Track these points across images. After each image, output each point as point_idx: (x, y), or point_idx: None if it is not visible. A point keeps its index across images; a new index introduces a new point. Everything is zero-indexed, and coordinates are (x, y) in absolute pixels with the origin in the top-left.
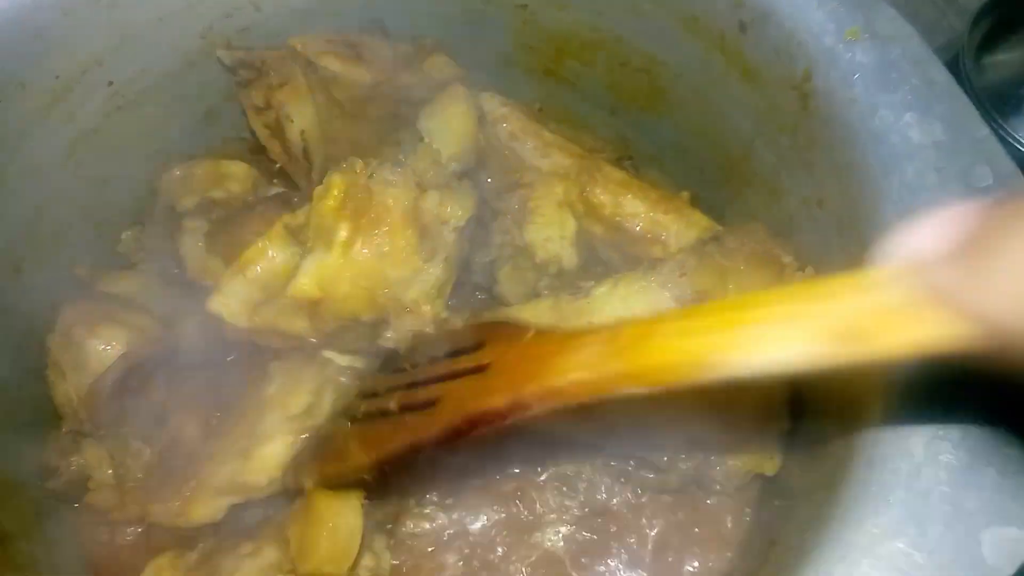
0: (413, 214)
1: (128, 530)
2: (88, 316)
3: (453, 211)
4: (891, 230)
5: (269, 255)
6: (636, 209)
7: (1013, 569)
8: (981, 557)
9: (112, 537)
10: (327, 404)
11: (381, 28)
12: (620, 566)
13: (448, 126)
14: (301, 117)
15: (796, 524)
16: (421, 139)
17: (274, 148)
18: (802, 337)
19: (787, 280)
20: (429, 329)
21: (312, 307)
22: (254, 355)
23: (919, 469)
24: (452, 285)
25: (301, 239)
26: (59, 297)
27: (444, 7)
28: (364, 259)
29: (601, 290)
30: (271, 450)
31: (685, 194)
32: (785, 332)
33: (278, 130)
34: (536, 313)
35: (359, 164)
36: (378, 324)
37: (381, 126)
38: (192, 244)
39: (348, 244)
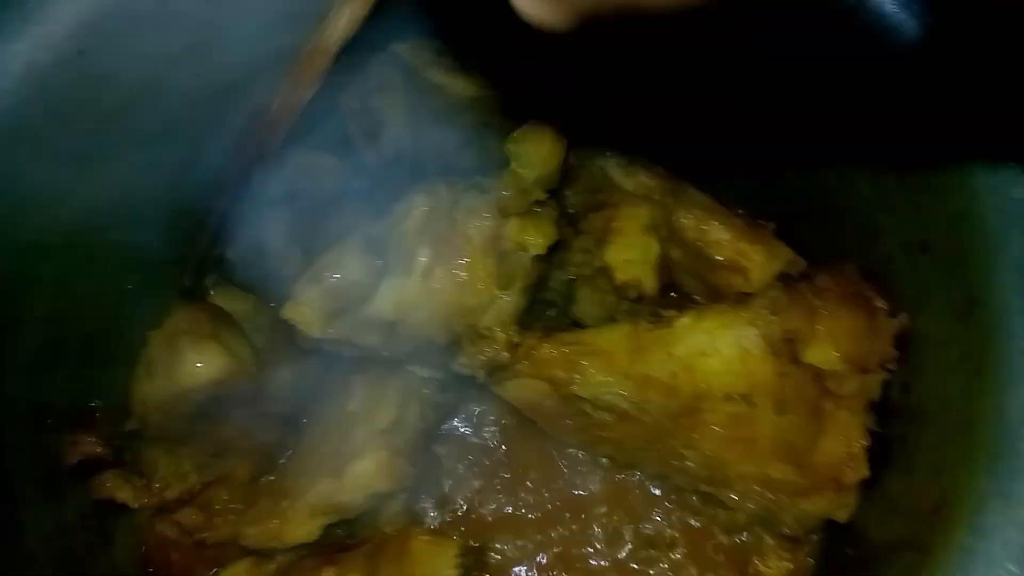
0: (493, 243)
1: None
2: (197, 327)
3: (534, 240)
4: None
5: (346, 265)
6: (720, 236)
7: None
8: None
9: (169, 538)
10: (413, 417)
11: None
12: None
13: (536, 150)
14: (394, 124)
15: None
16: (508, 163)
17: (367, 152)
18: None
19: (879, 326)
20: (504, 354)
21: (388, 326)
22: (332, 367)
23: None
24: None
25: (379, 251)
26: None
27: None
28: (442, 287)
29: (684, 321)
30: (363, 467)
31: (771, 225)
32: None
33: (371, 134)
34: (612, 339)
35: (443, 187)
36: (452, 346)
37: (472, 137)
38: (275, 230)
39: (428, 271)
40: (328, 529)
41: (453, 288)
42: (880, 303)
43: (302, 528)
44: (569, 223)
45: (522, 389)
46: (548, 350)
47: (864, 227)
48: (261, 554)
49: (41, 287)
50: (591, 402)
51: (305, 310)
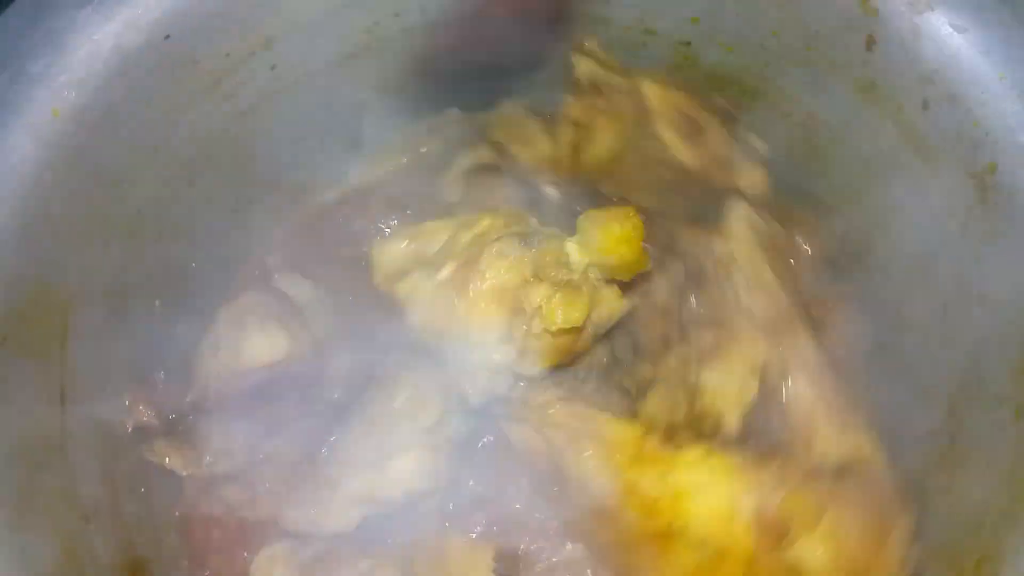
0: (507, 296)
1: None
2: (263, 309)
3: (556, 317)
4: None
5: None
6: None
7: None
8: None
9: (212, 515)
10: (456, 419)
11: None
12: None
13: (603, 235)
14: (601, 146)
15: None
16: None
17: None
18: None
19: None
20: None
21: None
22: (384, 361)
23: None
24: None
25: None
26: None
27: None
28: (448, 303)
29: (693, 453)
30: (404, 464)
31: None
32: None
33: (574, 147)
34: (622, 435)
35: (487, 220)
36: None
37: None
38: None
39: (444, 284)
40: (365, 521)
41: (457, 312)
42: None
43: (341, 517)
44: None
45: (521, 434)
46: (559, 412)
47: None
48: (299, 538)
49: (109, 262)
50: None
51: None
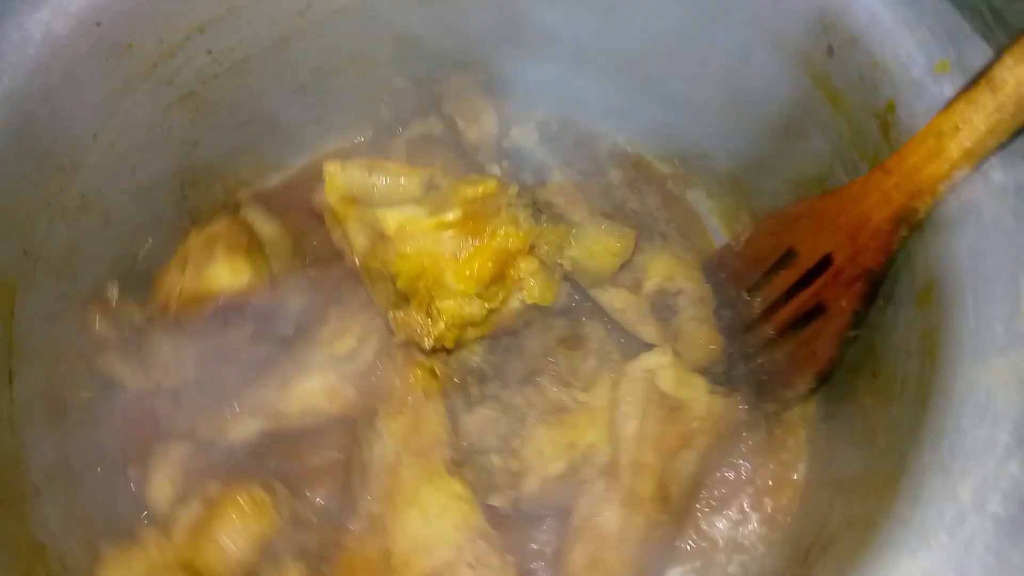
0: (506, 257)
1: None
2: (233, 239)
3: (533, 291)
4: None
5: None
6: None
7: None
8: None
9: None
10: (369, 352)
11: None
12: None
13: (595, 240)
14: None
15: (832, 554)
16: (571, 230)
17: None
18: None
19: None
20: (427, 341)
21: (376, 236)
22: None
23: (964, 516)
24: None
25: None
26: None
27: None
28: (442, 247)
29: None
30: (309, 385)
31: None
32: None
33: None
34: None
35: (515, 187)
36: (403, 299)
37: None
38: None
39: (446, 225)
40: (264, 436)
41: (448, 254)
42: None
43: (241, 427)
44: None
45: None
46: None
47: None
48: (203, 445)
49: (56, 247)
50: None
51: (338, 173)
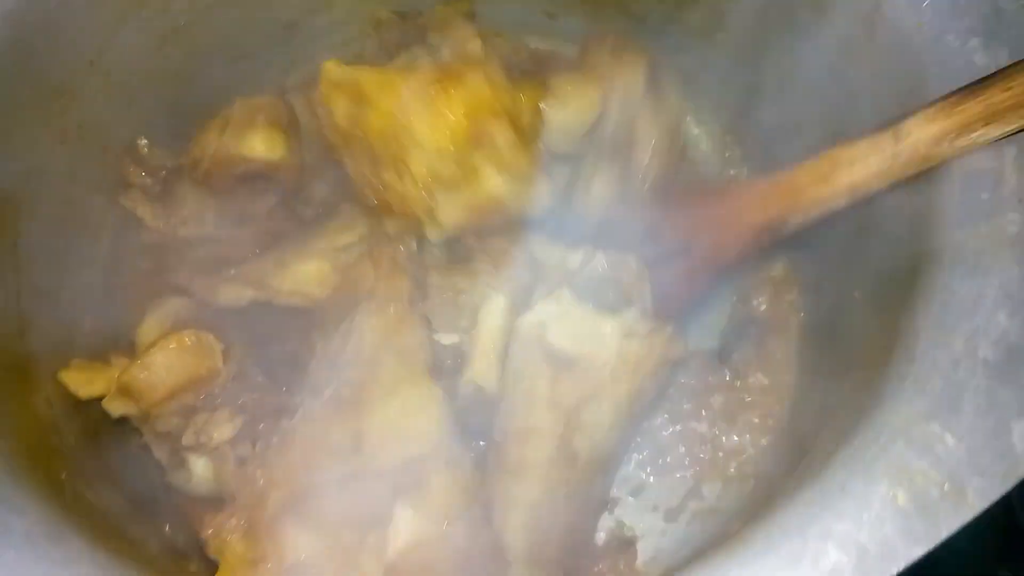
0: (481, 114)
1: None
2: (278, 114)
3: (506, 183)
4: None
5: None
6: None
7: None
8: (1011, 444)
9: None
10: (363, 248)
11: None
12: None
13: (567, 108)
14: None
15: (837, 405)
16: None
17: None
18: None
19: None
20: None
21: (355, 99)
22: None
23: (957, 363)
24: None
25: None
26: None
27: None
28: (416, 100)
29: None
30: (304, 267)
31: None
32: None
33: None
34: None
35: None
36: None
37: None
38: None
39: (420, 77)
40: (252, 306)
41: (422, 103)
42: None
43: (232, 292)
44: None
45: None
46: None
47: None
48: (196, 301)
49: (56, 171)
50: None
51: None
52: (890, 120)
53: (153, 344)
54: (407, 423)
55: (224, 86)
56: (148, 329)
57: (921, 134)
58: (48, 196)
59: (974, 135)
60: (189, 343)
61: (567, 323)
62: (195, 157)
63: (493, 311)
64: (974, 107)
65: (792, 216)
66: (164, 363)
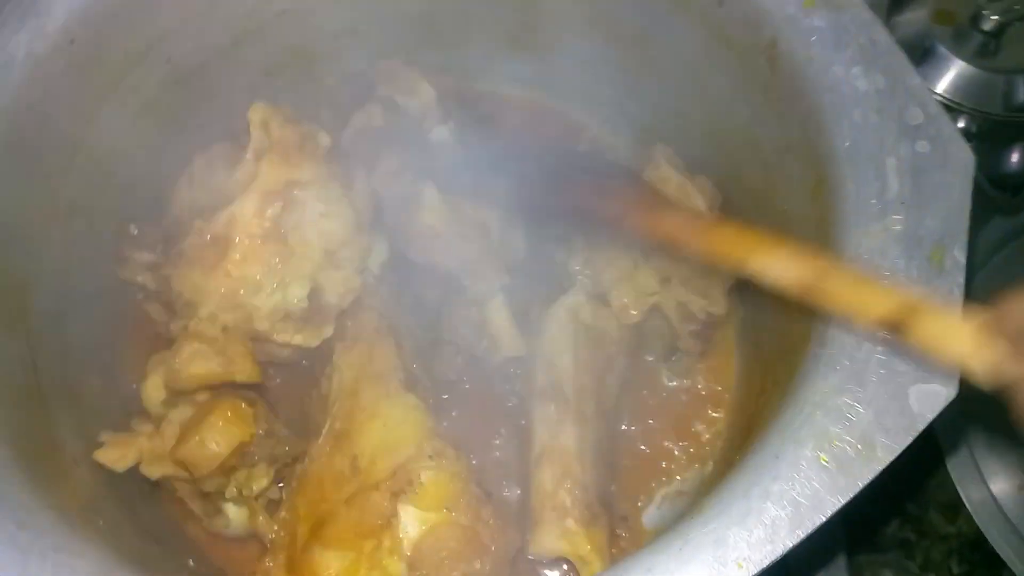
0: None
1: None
2: (234, 157)
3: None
4: None
5: None
6: None
7: (933, 415)
8: (909, 406)
9: None
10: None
11: None
12: None
13: None
14: None
15: (772, 385)
16: None
17: None
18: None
19: None
20: None
21: None
22: None
23: (860, 343)
24: None
25: None
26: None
27: None
28: None
29: None
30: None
31: None
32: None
33: None
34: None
35: None
36: None
37: None
38: None
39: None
40: None
41: None
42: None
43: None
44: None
45: None
46: None
47: (748, 140)
48: None
49: (52, 246)
50: None
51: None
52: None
53: (172, 405)
54: (391, 436)
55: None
56: (153, 388)
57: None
58: (48, 273)
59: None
60: (231, 415)
61: (589, 307)
62: (174, 216)
63: (497, 305)
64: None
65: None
66: (215, 438)
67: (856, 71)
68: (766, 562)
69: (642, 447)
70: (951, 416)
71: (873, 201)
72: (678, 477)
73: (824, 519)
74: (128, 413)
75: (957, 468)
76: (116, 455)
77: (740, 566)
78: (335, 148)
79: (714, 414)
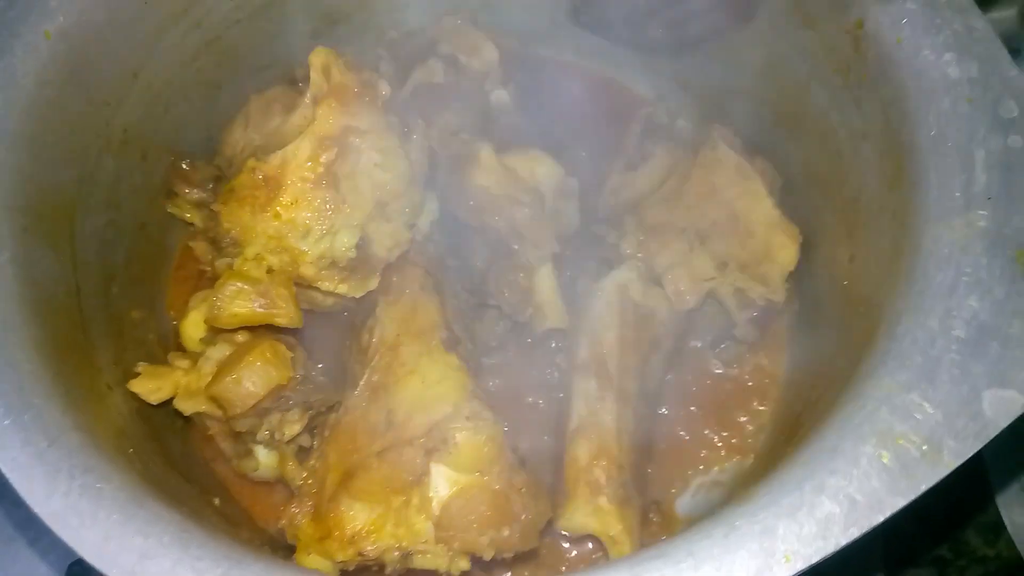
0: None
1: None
2: (291, 101)
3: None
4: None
5: None
6: None
7: (1007, 422)
8: (981, 411)
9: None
10: None
11: None
12: None
13: None
14: None
15: (828, 380)
16: None
17: None
18: None
19: None
20: None
21: None
22: None
23: (934, 340)
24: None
25: None
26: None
27: None
28: None
29: None
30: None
31: None
32: None
33: None
34: None
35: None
36: None
37: None
38: None
39: None
40: None
41: None
42: None
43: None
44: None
45: None
46: None
47: (820, 127)
48: None
49: (104, 177)
50: None
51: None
52: None
53: (210, 343)
54: (428, 393)
55: (248, 93)
56: (194, 326)
57: None
58: (97, 200)
59: None
60: (270, 356)
61: (639, 285)
62: (227, 156)
63: (546, 273)
64: None
65: None
66: (252, 377)
67: (948, 57)
68: (816, 558)
69: (681, 433)
70: (1002, 435)
71: (957, 194)
72: (716, 467)
73: (882, 519)
74: (166, 348)
75: (1002, 490)
76: (151, 386)
77: (788, 559)
78: (394, 100)
79: (760, 407)
